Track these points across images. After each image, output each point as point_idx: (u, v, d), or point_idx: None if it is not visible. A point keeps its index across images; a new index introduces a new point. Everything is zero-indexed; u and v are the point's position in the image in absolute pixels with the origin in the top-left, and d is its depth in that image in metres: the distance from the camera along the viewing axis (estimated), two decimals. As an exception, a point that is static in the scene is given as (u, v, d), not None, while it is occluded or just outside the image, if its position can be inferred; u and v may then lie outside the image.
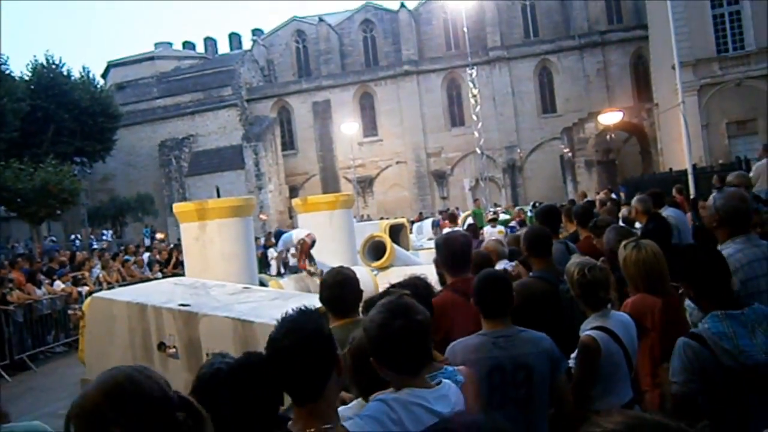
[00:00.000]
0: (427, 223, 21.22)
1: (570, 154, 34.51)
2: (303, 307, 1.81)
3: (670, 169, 22.94)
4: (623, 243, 3.25)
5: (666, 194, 8.64)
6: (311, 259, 10.42)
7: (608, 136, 33.58)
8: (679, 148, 22.99)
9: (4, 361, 10.34)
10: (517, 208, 21.51)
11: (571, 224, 5.99)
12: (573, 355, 2.81)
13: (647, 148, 33.69)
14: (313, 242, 10.30)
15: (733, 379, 2.21)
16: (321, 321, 1.82)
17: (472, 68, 22.05)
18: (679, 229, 6.25)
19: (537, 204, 20.82)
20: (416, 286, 3.68)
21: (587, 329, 2.81)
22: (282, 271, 10.85)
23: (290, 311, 1.81)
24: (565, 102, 39.47)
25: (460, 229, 14.24)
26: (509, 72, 39.85)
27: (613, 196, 16.58)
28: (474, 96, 21.46)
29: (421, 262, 12.79)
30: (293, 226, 24.54)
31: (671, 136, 26.76)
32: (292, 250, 10.58)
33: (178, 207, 9.04)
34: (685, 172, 15.90)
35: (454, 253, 3.48)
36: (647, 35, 33.61)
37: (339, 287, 3.17)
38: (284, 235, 10.83)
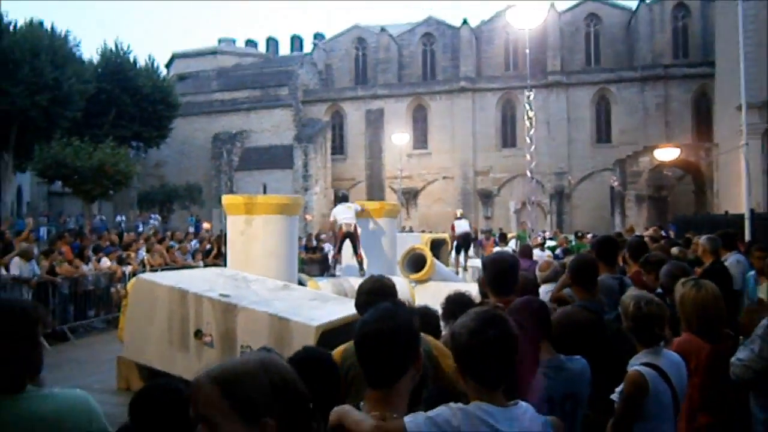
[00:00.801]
0: (469, 241, 21.02)
1: (621, 187, 33.81)
2: (402, 302, 1.88)
3: (726, 211, 22.23)
4: (682, 280, 3.15)
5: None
6: (340, 251, 10.52)
7: (663, 172, 32.81)
8: (737, 191, 22.26)
9: (46, 329, 10.64)
10: (563, 235, 21.17)
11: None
12: (618, 389, 2.72)
13: (702, 187, 32.75)
14: (348, 233, 10.37)
15: None
16: (413, 318, 1.88)
17: (531, 90, 21.81)
18: (743, 275, 6.07)
19: (580, 234, 20.45)
20: (457, 301, 3.66)
21: (636, 364, 2.72)
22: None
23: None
24: (620, 133, 38.75)
25: (509, 249, 14.19)
26: (566, 98, 39.39)
27: (663, 233, 16.15)
28: (529, 118, 21.23)
29: (459, 279, 12.70)
30: (334, 230, 24.70)
31: (729, 178, 25.96)
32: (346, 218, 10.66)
33: (227, 199, 9.18)
34: (741, 216, 15.38)
35: (500, 274, 3.36)
36: (713, 72, 32.75)
37: (375, 295, 3.09)
38: (337, 207, 11.03)
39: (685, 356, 2.97)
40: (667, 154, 28.28)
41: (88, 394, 1.96)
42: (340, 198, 11.56)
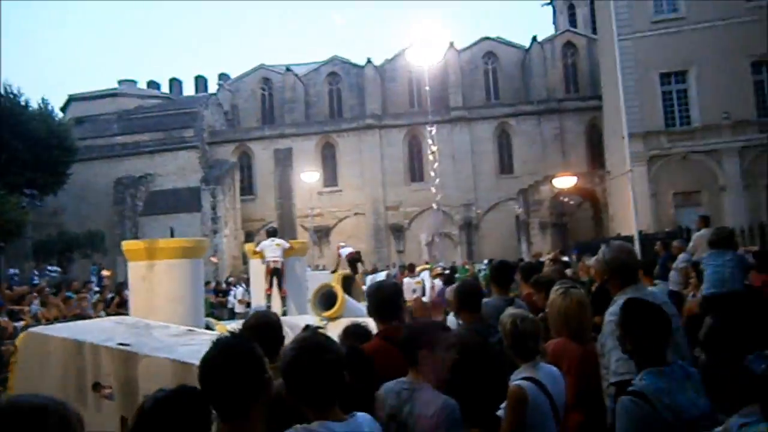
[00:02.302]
0: (381, 276, 21.24)
1: (525, 215, 35.27)
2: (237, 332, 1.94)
3: (618, 234, 23.64)
4: (553, 288, 3.41)
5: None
6: (272, 285, 10.67)
7: (562, 200, 34.55)
8: (629, 215, 23.78)
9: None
10: (472, 265, 21.78)
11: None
12: (503, 405, 2.86)
13: (599, 213, 34.74)
14: (275, 270, 10.56)
15: None
16: (253, 345, 1.92)
17: (433, 126, 22.60)
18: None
19: (492, 261, 21.17)
20: (354, 332, 3.74)
21: (516, 379, 2.88)
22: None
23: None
24: (522, 164, 40.53)
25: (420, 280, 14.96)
26: (469, 132, 40.87)
27: (565, 258, 16.96)
28: (432, 153, 21.94)
29: (371, 313, 12.79)
30: (246, 273, 24.29)
31: (621, 202, 27.67)
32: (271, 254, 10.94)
33: (127, 245, 8.89)
34: (632, 238, 16.45)
35: (382, 301, 3.50)
36: (601, 105, 35.12)
37: (260, 330, 3.15)
38: (264, 242, 11.19)
39: (558, 358, 3.19)
40: (564, 182, 29.86)
41: None
42: (270, 233, 11.66)
